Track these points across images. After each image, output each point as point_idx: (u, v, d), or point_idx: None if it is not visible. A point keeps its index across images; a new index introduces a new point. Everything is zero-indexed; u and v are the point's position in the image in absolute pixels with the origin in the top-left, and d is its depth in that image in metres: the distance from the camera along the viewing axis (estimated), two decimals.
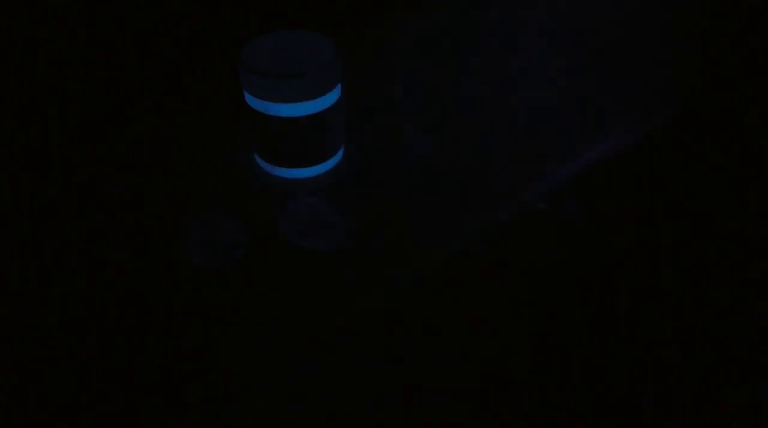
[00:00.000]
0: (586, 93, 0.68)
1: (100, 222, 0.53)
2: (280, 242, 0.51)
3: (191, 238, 0.50)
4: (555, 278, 0.48)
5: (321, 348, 0.44)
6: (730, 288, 0.48)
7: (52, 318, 0.46)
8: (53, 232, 0.52)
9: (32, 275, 0.49)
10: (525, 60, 0.73)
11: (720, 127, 0.63)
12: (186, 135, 0.63)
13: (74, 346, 0.44)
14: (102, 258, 0.50)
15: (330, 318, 0.46)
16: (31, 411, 0.41)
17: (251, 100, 0.53)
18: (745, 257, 0.50)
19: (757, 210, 0.54)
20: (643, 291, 0.47)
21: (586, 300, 0.47)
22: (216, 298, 0.47)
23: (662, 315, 0.46)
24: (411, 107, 0.66)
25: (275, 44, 0.54)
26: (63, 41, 0.77)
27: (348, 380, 0.42)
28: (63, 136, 0.62)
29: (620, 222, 0.53)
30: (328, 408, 0.41)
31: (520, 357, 0.43)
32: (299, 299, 0.47)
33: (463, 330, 0.45)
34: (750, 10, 0.74)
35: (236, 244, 0.50)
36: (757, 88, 0.68)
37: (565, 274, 0.48)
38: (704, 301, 0.47)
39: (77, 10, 0.80)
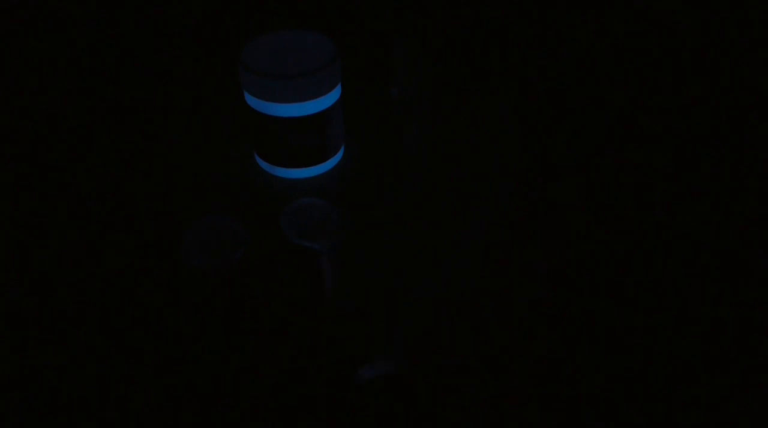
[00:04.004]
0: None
1: (99, 222, 0.53)
2: (280, 242, 0.51)
3: (191, 239, 0.50)
4: (554, 278, 0.48)
5: (321, 348, 0.44)
6: (731, 289, 0.48)
7: (52, 319, 0.46)
8: (53, 232, 0.52)
9: (32, 275, 0.49)
10: (526, 59, 0.73)
11: (720, 126, 0.63)
12: (186, 135, 0.63)
13: (74, 346, 0.44)
14: (102, 259, 0.50)
15: (330, 318, 0.46)
16: (31, 411, 0.41)
17: (251, 100, 0.53)
18: (745, 256, 0.50)
19: (758, 209, 0.54)
20: (642, 291, 0.47)
21: (584, 300, 0.47)
22: (216, 298, 0.47)
23: (662, 315, 0.46)
24: (411, 107, 0.66)
25: (275, 44, 0.54)
26: (63, 41, 0.77)
27: (348, 380, 0.42)
28: (62, 136, 0.62)
29: (619, 221, 0.53)
30: (327, 409, 0.41)
31: (523, 358, 0.43)
32: (299, 299, 0.47)
33: (464, 330, 0.45)
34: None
35: (236, 244, 0.50)
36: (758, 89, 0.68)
37: (564, 276, 0.49)
38: (704, 302, 0.47)
39: (77, 10, 0.80)
